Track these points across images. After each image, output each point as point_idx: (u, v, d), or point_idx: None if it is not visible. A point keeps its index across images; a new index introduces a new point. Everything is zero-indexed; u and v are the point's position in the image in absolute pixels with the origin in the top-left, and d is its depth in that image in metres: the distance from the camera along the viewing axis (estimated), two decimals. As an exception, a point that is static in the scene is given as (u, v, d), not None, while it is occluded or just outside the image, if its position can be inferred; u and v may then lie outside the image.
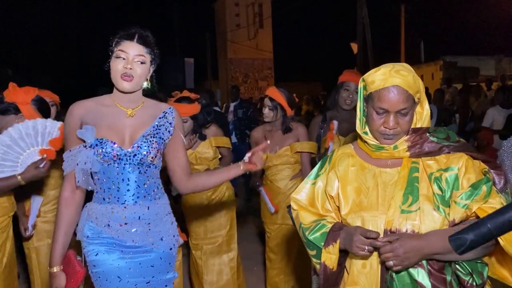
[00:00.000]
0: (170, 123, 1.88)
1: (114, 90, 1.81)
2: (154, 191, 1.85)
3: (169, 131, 1.87)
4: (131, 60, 1.74)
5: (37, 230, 2.98)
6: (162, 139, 1.84)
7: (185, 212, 3.29)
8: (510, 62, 20.17)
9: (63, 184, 1.79)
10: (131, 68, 1.73)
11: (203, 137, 3.13)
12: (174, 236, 1.90)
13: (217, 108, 6.66)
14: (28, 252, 2.99)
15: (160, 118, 1.86)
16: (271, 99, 3.11)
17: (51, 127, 2.24)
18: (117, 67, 1.73)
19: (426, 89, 9.08)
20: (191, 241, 3.29)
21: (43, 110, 2.46)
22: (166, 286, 1.87)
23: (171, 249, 1.87)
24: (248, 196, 6.60)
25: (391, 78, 1.40)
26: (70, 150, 1.75)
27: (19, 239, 2.84)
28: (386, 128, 1.43)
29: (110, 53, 1.77)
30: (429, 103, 7.30)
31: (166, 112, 1.89)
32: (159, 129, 1.85)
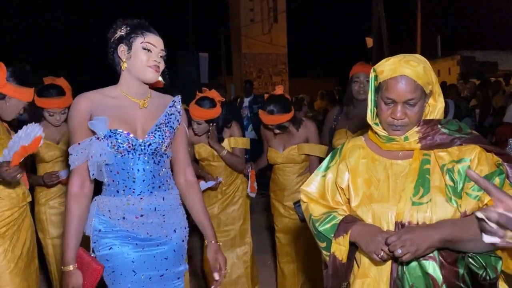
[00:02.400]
0: (179, 112, 1.90)
1: (124, 79, 1.80)
2: (167, 181, 1.86)
3: (177, 120, 1.89)
4: (157, 54, 1.77)
5: (52, 222, 3.03)
6: (173, 128, 1.86)
7: None
8: (530, 56, 19.74)
9: (70, 179, 1.75)
10: (159, 62, 1.76)
11: (220, 140, 3.11)
12: (185, 228, 1.91)
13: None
14: (45, 244, 3.03)
15: (170, 107, 1.88)
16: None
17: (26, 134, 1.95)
18: (143, 58, 1.74)
19: (444, 83, 8.99)
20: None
21: (25, 80, 2.33)
22: (178, 278, 1.87)
23: (183, 241, 1.89)
24: (262, 190, 6.59)
25: (400, 68, 1.38)
26: (79, 143, 1.71)
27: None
28: (393, 118, 1.41)
29: (125, 41, 1.74)
30: (446, 98, 7.22)
31: (175, 101, 1.91)
32: (170, 118, 1.86)
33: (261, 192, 6.68)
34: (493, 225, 0.75)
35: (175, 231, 1.84)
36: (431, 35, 20.06)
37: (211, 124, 3.01)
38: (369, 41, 13.77)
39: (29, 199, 2.48)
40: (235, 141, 3.17)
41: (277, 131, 3.03)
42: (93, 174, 1.71)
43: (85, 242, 1.79)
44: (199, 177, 3.10)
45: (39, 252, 2.69)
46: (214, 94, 3.05)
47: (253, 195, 3.24)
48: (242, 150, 3.24)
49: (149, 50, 1.74)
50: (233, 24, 27.13)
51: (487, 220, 0.76)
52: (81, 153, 1.70)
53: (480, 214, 0.75)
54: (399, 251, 1.29)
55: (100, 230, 1.76)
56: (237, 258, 3.28)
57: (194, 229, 2.09)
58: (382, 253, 1.34)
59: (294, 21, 27.26)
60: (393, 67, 1.40)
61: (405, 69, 1.38)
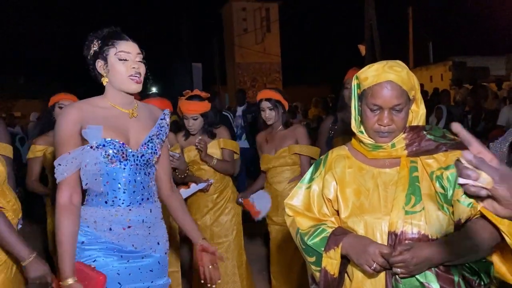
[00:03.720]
0: (167, 125, 1.90)
1: (109, 92, 1.78)
2: (154, 193, 1.85)
3: (166, 133, 1.89)
4: (134, 60, 1.73)
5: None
6: (162, 140, 1.86)
7: None
8: (521, 61, 19.94)
9: (58, 191, 1.68)
10: (138, 67, 1.73)
11: (212, 136, 3.12)
12: (167, 240, 1.91)
13: (225, 112, 6.64)
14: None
15: (161, 119, 1.87)
16: (268, 99, 3.07)
17: None
18: (121, 69, 1.70)
19: (436, 89, 9.04)
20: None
21: None
22: None
23: (165, 253, 1.88)
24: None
25: (384, 74, 1.37)
26: (69, 153, 1.65)
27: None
28: (380, 125, 1.39)
29: (99, 56, 1.72)
30: (438, 103, 7.24)
31: (165, 114, 1.90)
32: (161, 130, 1.85)
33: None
34: (470, 166, 0.77)
35: (158, 243, 1.83)
36: (423, 42, 20.26)
37: (204, 123, 3.03)
38: (362, 49, 13.86)
39: (20, 214, 2.49)
40: (225, 142, 3.16)
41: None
42: (86, 184, 1.68)
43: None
44: (189, 181, 3.10)
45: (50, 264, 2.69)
46: (198, 92, 3.09)
47: (262, 216, 3.19)
48: (232, 153, 3.22)
49: (125, 60, 1.71)
50: (227, 34, 27.26)
51: (464, 162, 0.78)
52: (71, 163, 1.65)
53: (469, 157, 0.77)
54: (398, 271, 1.29)
55: (83, 242, 1.71)
56: (233, 270, 3.23)
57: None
58: (374, 265, 1.31)
59: (287, 30, 27.42)
60: (377, 73, 1.38)
61: (390, 74, 1.36)
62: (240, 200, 3.21)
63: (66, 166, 1.65)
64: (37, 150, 3.08)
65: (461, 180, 0.79)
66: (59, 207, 1.66)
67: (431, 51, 21.22)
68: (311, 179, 1.57)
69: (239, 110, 7.09)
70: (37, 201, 2.69)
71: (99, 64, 1.73)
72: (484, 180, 0.77)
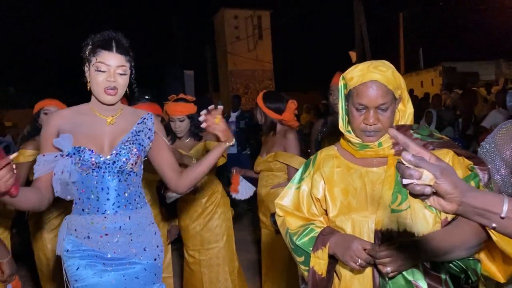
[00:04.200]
0: (149, 129, 1.85)
1: (93, 98, 1.80)
2: (135, 200, 1.80)
3: (149, 138, 1.85)
4: (113, 72, 1.70)
5: (39, 240, 3.04)
6: (142, 145, 1.81)
7: (180, 223, 3.26)
8: (510, 66, 20.19)
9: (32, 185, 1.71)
10: (114, 81, 1.69)
11: (199, 138, 3.12)
12: (158, 246, 1.86)
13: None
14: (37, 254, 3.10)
15: (138, 124, 1.83)
16: (256, 103, 3.22)
17: None
18: (98, 80, 1.69)
19: (427, 94, 9.11)
20: (187, 252, 3.26)
21: None
22: None
23: (155, 259, 1.83)
24: (249, 206, 6.58)
25: (369, 74, 1.38)
26: (43, 155, 1.70)
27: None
28: (366, 124, 1.40)
29: (86, 62, 1.72)
30: (427, 108, 7.31)
31: (145, 118, 1.86)
32: (138, 135, 1.81)
33: (248, 208, 6.68)
34: (411, 166, 0.81)
35: (145, 249, 1.79)
36: (413, 47, 20.43)
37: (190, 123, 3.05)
38: (353, 55, 13.96)
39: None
40: (210, 145, 3.14)
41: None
42: (56, 192, 1.67)
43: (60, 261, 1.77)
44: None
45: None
46: (183, 95, 3.14)
47: (236, 196, 3.28)
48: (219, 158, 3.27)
49: (102, 71, 1.68)
50: (219, 41, 27.33)
51: (405, 163, 0.81)
52: (43, 165, 1.68)
53: (407, 157, 0.82)
54: (387, 270, 1.29)
55: (68, 250, 1.72)
56: (225, 276, 3.20)
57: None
58: (359, 261, 1.31)
59: (278, 37, 27.55)
60: (362, 73, 1.40)
61: (375, 74, 1.38)
62: (234, 170, 3.29)
63: (39, 166, 1.69)
64: (28, 154, 3.06)
65: (405, 181, 0.82)
66: None
67: (422, 57, 21.42)
68: (301, 179, 1.58)
69: (233, 116, 7.12)
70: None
71: (86, 69, 1.74)
72: (426, 177, 0.81)
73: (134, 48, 1.82)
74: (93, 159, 1.69)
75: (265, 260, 3.28)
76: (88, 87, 1.76)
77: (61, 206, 2.95)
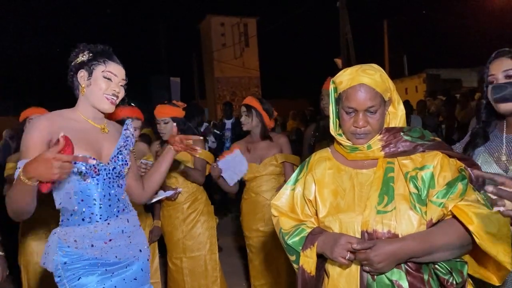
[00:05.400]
0: (132, 134, 1.92)
1: (82, 105, 1.78)
2: (128, 203, 1.88)
3: (132, 142, 1.91)
4: (117, 83, 1.77)
5: (26, 250, 2.99)
6: (129, 150, 1.89)
7: (163, 229, 3.24)
8: (492, 73, 20.58)
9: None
10: (118, 91, 1.77)
11: None
12: (147, 246, 1.92)
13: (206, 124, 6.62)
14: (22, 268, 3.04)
15: (124, 129, 1.90)
16: (246, 106, 3.14)
17: None
18: (102, 87, 1.73)
19: (407, 102, 9.22)
20: (170, 260, 3.24)
21: None
22: None
23: (148, 259, 1.89)
24: (225, 211, 6.56)
25: (358, 77, 1.42)
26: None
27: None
28: (356, 127, 1.43)
29: (85, 67, 1.73)
30: (412, 114, 7.41)
31: (128, 124, 1.93)
32: (127, 140, 1.88)
33: (224, 213, 6.65)
34: (494, 197, 1.06)
35: (140, 250, 1.84)
36: (398, 55, 20.72)
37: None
38: (338, 62, 14.08)
39: None
40: (204, 153, 3.16)
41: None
42: (60, 203, 1.65)
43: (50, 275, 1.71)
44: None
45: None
46: (175, 101, 3.19)
47: (221, 165, 2.96)
48: (204, 163, 3.18)
49: (109, 79, 1.75)
50: (205, 48, 27.36)
51: (489, 194, 1.05)
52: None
53: (490, 189, 1.04)
54: (367, 268, 1.32)
55: (65, 263, 1.67)
56: (206, 284, 3.19)
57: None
58: (348, 255, 1.34)
59: (265, 44, 27.71)
60: (351, 77, 1.43)
61: (363, 77, 1.41)
62: (217, 160, 3.02)
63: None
64: (9, 167, 3.02)
65: (495, 208, 1.09)
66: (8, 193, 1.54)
67: (406, 64, 21.73)
68: (296, 181, 1.62)
69: (228, 123, 7.02)
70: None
71: (81, 74, 1.74)
72: (510, 205, 1.05)
73: (120, 55, 1.86)
74: (95, 167, 1.70)
75: (255, 267, 3.24)
76: (82, 92, 1.75)
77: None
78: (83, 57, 1.74)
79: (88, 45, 1.79)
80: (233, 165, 2.99)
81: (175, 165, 2.99)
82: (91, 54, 1.75)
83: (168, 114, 3.01)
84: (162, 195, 2.99)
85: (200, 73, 26.47)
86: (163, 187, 3.07)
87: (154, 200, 2.95)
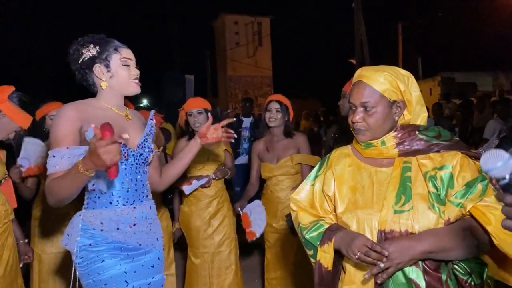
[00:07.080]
0: (153, 126, 1.98)
1: (106, 95, 1.81)
2: (149, 191, 1.92)
3: (153, 132, 1.98)
4: (134, 65, 1.84)
5: (41, 239, 3.02)
6: (152, 139, 1.95)
7: (189, 226, 3.27)
8: (507, 77, 20.32)
9: (47, 180, 1.63)
10: (137, 73, 1.84)
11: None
12: (162, 236, 1.96)
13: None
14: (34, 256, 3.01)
15: (150, 119, 1.96)
16: (279, 102, 3.14)
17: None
18: (124, 74, 1.79)
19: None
20: (195, 255, 3.27)
21: (24, 103, 2.42)
22: (162, 286, 1.90)
23: (162, 249, 1.94)
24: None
25: (358, 75, 1.50)
26: (68, 148, 1.63)
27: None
28: (353, 122, 1.49)
29: (98, 61, 1.75)
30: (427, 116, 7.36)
31: (152, 114, 2.01)
32: (152, 130, 1.94)
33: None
34: None
35: (157, 239, 1.88)
36: (412, 57, 20.55)
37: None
38: (354, 63, 14.04)
39: (12, 216, 2.47)
40: (227, 145, 3.31)
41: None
42: (93, 184, 1.71)
43: (68, 257, 1.75)
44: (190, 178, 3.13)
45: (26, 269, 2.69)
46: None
47: (253, 240, 3.07)
48: (233, 159, 3.40)
49: (128, 65, 1.80)
50: (219, 47, 27.46)
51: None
52: (68, 158, 1.61)
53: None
54: (381, 265, 1.30)
55: (90, 244, 1.70)
56: (229, 280, 3.24)
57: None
58: (359, 254, 1.34)
59: (278, 44, 27.71)
60: (356, 75, 1.51)
61: (362, 75, 1.48)
62: (239, 211, 3.13)
63: (62, 160, 1.62)
64: None
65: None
66: (47, 183, 1.62)
67: (420, 67, 21.55)
68: (316, 176, 1.64)
69: (246, 121, 6.37)
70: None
71: (97, 68, 1.76)
72: None
73: (135, 51, 1.90)
74: (124, 152, 1.74)
75: (270, 262, 3.29)
76: (104, 86, 1.79)
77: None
78: (90, 51, 1.75)
79: (84, 38, 1.78)
80: (254, 214, 3.08)
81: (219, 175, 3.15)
82: (98, 46, 1.76)
83: (201, 106, 3.11)
84: (196, 184, 3.05)
85: (213, 71, 26.57)
86: (196, 177, 3.14)
87: (190, 190, 3.05)
